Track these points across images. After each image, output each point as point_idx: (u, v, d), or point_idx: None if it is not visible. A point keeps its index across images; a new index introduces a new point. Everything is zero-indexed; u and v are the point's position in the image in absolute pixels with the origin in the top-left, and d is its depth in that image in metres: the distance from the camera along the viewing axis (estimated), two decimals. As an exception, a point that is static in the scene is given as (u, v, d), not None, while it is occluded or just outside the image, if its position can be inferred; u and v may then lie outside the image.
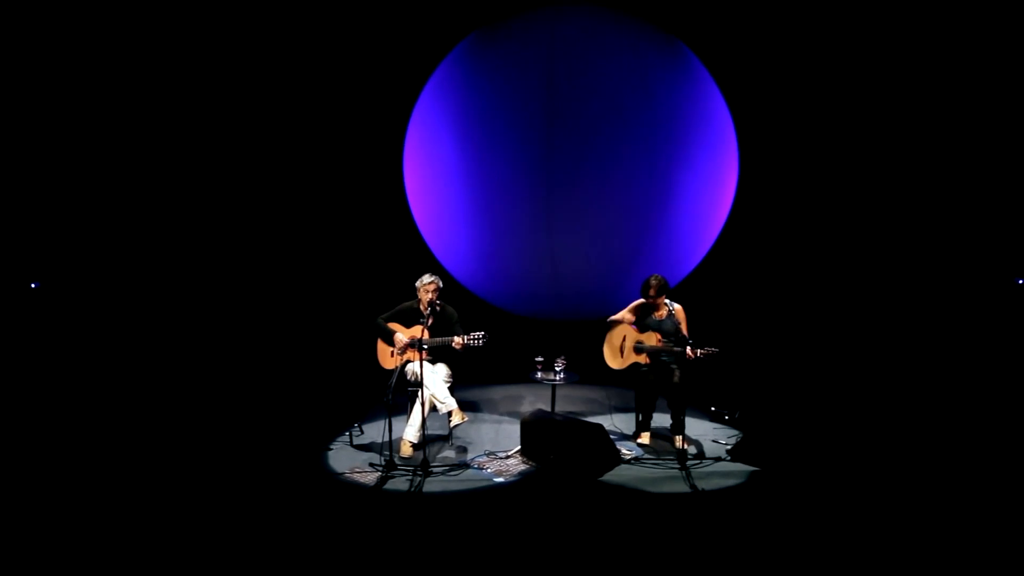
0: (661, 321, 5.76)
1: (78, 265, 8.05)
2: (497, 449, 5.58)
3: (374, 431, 5.98)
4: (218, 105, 8.14)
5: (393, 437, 5.25)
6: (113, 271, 8.14)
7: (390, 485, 4.86)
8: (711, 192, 6.92)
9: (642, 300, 5.82)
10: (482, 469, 5.17)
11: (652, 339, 5.71)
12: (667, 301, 5.63)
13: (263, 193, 8.31)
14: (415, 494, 4.73)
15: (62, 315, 7.97)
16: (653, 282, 5.64)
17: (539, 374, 5.94)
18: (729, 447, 5.55)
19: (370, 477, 4.98)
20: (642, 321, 5.81)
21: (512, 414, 6.61)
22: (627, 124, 6.42)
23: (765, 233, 8.22)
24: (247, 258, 8.43)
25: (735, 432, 5.99)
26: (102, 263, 8.09)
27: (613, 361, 5.91)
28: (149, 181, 8.06)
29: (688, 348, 5.28)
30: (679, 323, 5.56)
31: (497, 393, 7.40)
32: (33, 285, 7.96)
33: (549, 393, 6.11)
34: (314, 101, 8.29)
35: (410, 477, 4.98)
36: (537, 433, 5.29)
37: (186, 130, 8.10)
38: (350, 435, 5.83)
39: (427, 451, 5.27)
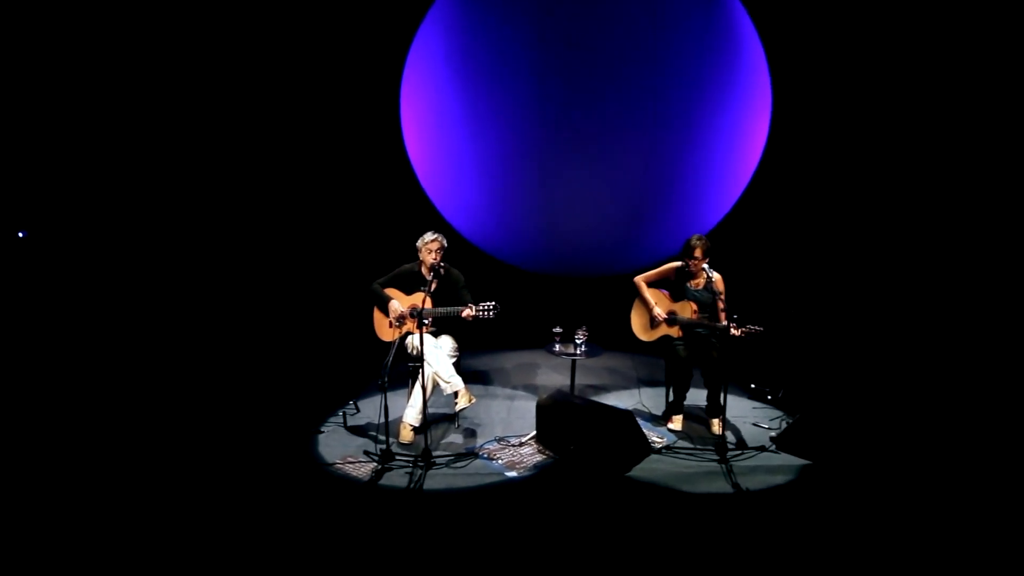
0: (698, 291, 5.11)
1: (59, 234, 7.36)
2: (509, 435, 5.01)
3: (370, 408, 5.44)
4: (194, 39, 7.29)
5: (391, 419, 4.71)
6: (91, 231, 7.46)
7: (386, 480, 4.33)
8: (741, 133, 6.18)
9: (677, 263, 5.16)
10: (492, 460, 4.63)
11: (687, 310, 5.07)
12: (706, 267, 4.96)
13: (243, 144, 7.42)
14: (414, 492, 4.18)
15: (42, 286, 7.37)
16: (698, 243, 4.95)
17: (557, 347, 5.33)
18: (774, 434, 4.96)
19: (364, 470, 4.45)
20: (677, 288, 5.16)
21: (526, 388, 6.04)
22: (651, 60, 5.70)
23: (802, 181, 7.28)
24: (228, 218, 7.58)
25: (778, 414, 5.40)
26: (80, 226, 7.40)
27: (642, 332, 5.30)
28: (120, 131, 7.29)
29: (731, 325, 4.63)
30: (719, 294, 4.90)
31: (509, 361, 6.82)
32: (20, 234, 7.33)
33: (568, 365, 5.50)
34: (297, 35, 7.33)
35: (410, 470, 4.44)
36: (555, 419, 4.71)
37: (163, 72, 7.26)
38: (343, 414, 5.28)
39: (429, 436, 4.72)
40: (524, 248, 6.90)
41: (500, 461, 4.60)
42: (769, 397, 5.63)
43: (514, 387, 6.08)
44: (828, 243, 7.02)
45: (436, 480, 4.32)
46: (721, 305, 4.91)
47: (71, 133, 6.87)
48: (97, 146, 7.02)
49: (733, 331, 4.60)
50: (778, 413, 5.42)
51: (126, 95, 6.91)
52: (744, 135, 6.24)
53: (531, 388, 6.04)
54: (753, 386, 5.79)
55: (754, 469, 4.48)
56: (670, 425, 5.16)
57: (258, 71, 7.15)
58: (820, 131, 6.95)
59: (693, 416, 5.34)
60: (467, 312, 4.76)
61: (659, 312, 5.10)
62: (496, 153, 6.22)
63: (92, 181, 7.11)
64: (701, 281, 5.10)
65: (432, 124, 6.31)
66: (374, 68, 7.15)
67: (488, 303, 4.80)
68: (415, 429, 4.91)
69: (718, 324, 4.89)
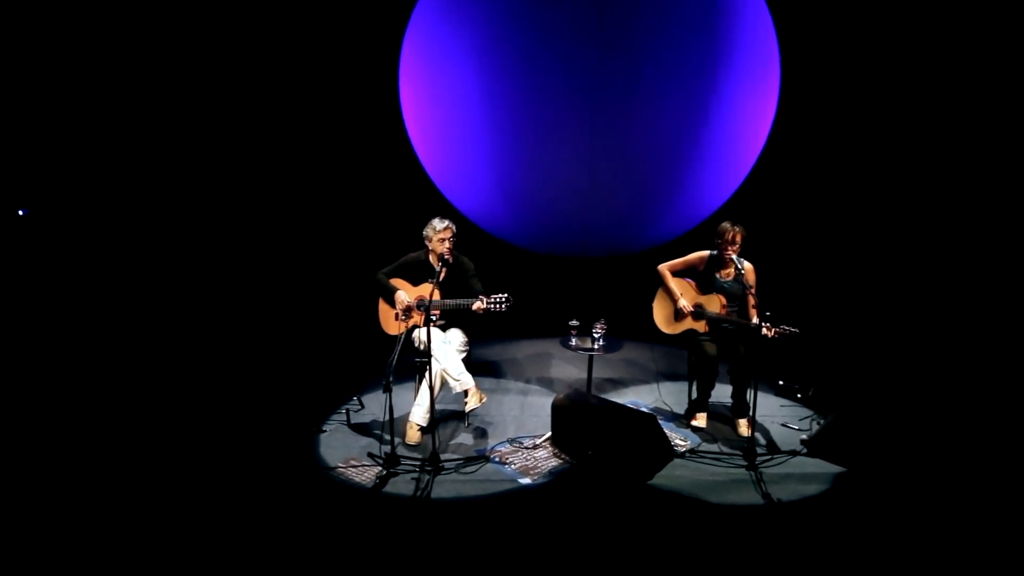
0: (728, 281, 4.80)
1: (49, 217, 7.02)
2: (522, 435, 4.75)
3: (375, 404, 5.20)
4: (185, 23, 6.85)
5: (398, 417, 4.46)
6: (79, 213, 7.11)
7: (391, 487, 4.09)
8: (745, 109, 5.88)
9: (706, 252, 4.85)
10: (504, 464, 4.37)
11: (715, 304, 4.77)
12: (735, 257, 4.64)
13: (237, 129, 6.89)
14: (421, 501, 3.94)
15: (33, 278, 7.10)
16: (733, 229, 4.63)
17: (574, 341, 5.05)
18: (805, 436, 4.67)
19: (368, 475, 4.20)
20: (705, 279, 4.85)
21: (540, 382, 5.77)
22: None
23: (835, 158, 6.85)
24: (224, 206, 7.04)
25: (808, 413, 5.11)
26: (68, 208, 7.05)
27: (665, 325, 5.00)
28: (106, 111, 6.89)
29: (764, 325, 4.33)
30: (750, 287, 4.59)
31: (521, 351, 6.54)
32: (21, 212, 7.04)
33: (584, 358, 5.21)
34: (289, 15, 6.80)
35: (416, 475, 4.19)
36: (572, 420, 4.45)
37: (158, 58, 6.83)
38: (347, 412, 5.03)
39: (437, 437, 4.47)
40: (534, 227, 6.60)
41: (513, 466, 4.34)
42: (799, 395, 5.33)
43: (527, 380, 5.82)
44: (862, 229, 6.62)
45: (444, 487, 4.08)
46: (752, 300, 4.61)
47: (58, 118, 6.54)
48: (83, 126, 6.68)
49: (765, 332, 4.30)
50: (808, 412, 5.14)
51: (112, 73, 6.56)
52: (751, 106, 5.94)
53: (545, 382, 5.77)
54: (781, 383, 5.49)
55: (785, 477, 4.21)
56: (693, 423, 4.89)
57: (252, 53, 6.70)
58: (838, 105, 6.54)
59: (717, 415, 5.07)
60: (478, 305, 4.49)
61: (685, 304, 4.81)
62: (508, 128, 5.93)
63: (79, 163, 6.78)
64: (731, 271, 4.79)
65: (436, 101, 5.99)
66: (370, 42, 6.68)
67: (500, 295, 4.52)
68: (422, 429, 4.66)
69: (750, 322, 4.58)
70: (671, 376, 5.85)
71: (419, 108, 6.23)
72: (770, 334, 4.32)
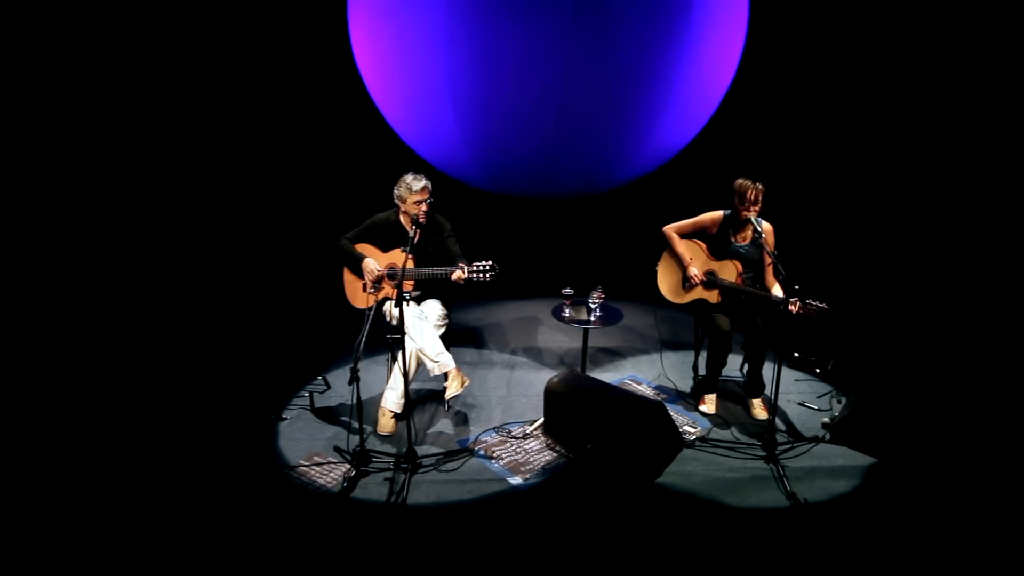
0: (744, 246, 4.26)
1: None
2: (510, 422, 4.26)
3: (342, 383, 4.65)
4: None
5: (368, 399, 3.94)
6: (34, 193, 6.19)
7: (361, 490, 3.58)
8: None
9: (719, 212, 4.31)
10: (491, 459, 3.88)
11: (730, 271, 4.25)
12: (754, 218, 4.10)
13: (171, 83, 5.84)
14: (396, 507, 3.44)
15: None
16: (754, 186, 4.08)
17: (567, 312, 4.52)
18: (827, 419, 4.23)
19: (334, 476, 3.69)
20: (718, 242, 4.31)
21: (529, 353, 5.26)
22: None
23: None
24: (161, 165, 6.00)
25: (827, 389, 4.66)
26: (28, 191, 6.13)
27: (672, 294, 4.48)
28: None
29: (790, 301, 3.82)
30: (775, 253, 4.05)
31: (505, 315, 6.00)
32: None
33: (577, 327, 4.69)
34: None
35: (390, 474, 3.68)
36: (568, 408, 3.94)
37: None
38: (311, 394, 4.48)
39: (413, 425, 3.95)
40: (500, 168, 5.92)
41: (500, 462, 3.85)
42: (817, 370, 4.86)
43: (513, 351, 5.29)
44: (893, 183, 6.01)
45: (423, 490, 3.58)
46: (768, 260, 4.08)
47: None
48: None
49: (791, 307, 3.79)
50: (827, 388, 4.69)
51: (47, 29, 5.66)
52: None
53: (534, 353, 5.25)
54: (797, 355, 5.01)
55: (811, 472, 3.77)
56: (702, 407, 4.42)
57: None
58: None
59: (727, 392, 4.60)
60: (458, 275, 3.93)
61: (695, 272, 4.27)
62: (470, 64, 5.21)
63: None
64: (748, 234, 4.25)
65: (393, 35, 5.22)
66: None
67: (484, 263, 3.97)
68: (396, 416, 4.15)
69: (770, 294, 4.08)
70: (673, 345, 5.36)
71: (374, 47, 5.45)
72: (795, 309, 3.81)
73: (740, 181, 4.09)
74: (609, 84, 5.11)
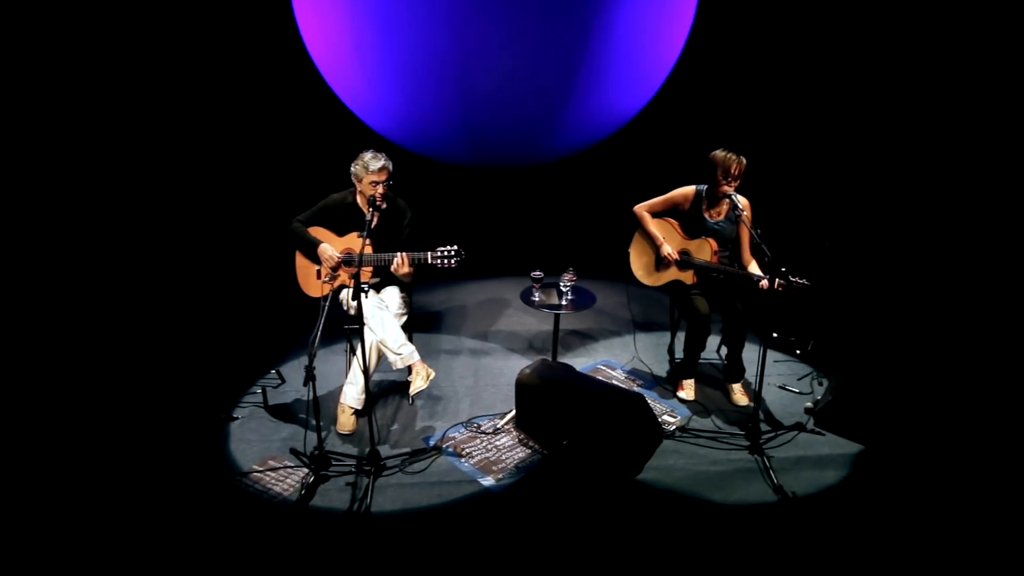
0: (719, 222, 4.07)
1: None
2: (479, 415, 4.03)
3: (297, 376, 4.37)
4: None
5: (324, 395, 3.68)
6: None
7: (321, 497, 3.33)
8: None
9: (690, 188, 4.09)
10: (460, 457, 3.65)
11: (705, 250, 4.05)
12: (731, 193, 3.89)
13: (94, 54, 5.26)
14: (360, 516, 3.19)
15: None
16: (736, 159, 3.84)
17: (537, 296, 4.28)
18: (810, 403, 4.09)
19: (291, 482, 3.43)
20: (691, 219, 4.11)
21: (496, 337, 5.03)
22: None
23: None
24: (96, 146, 5.42)
25: (807, 371, 4.53)
26: None
27: (645, 275, 4.28)
28: None
29: (764, 278, 3.65)
30: (757, 231, 3.84)
31: (470, 296, 5.75)
32: None
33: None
34: None
35: (352, 479, 3.43)
36: (541, 401, 3.72)
37: None
38: (264, 391, 4.18)
39: (375, 420, 3.70)
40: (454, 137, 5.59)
41: (471, 461, 3.62)
42: (797, 351, 4.72)
43: (479, 336, 5.05)
44: (872, 153, 5.83)
45: (388, 495, 3.34)
46: (745, 237, 3.91)
47: None
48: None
49: (763, 284, 3.63)
50: (807, 369, 4.55)
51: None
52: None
53: (502, 337, 5.02)
54: (776, 335, 4.86)
55: (797, 463, 3.62)
56: (680, 393, 4.24)
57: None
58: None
59: (706, 378, 4.44)
60: (398, 261, 3.68)
61: (670, 252, 4.07)
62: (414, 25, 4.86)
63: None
64: (723, 210, 4.05)
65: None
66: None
67: (448, 248, 3.72)
68: (356, 413, 3.89)
69: (750, 273, 3.90)
70: (648, 325, 5.17)
71: (316, 10, 5.05)
72: (766, 286, 3.68)
73: (721, 153, 3.87)
74: (548, 47, 4.82)
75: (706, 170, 3.95)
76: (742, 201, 3.97)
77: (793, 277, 3.62)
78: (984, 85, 5.31)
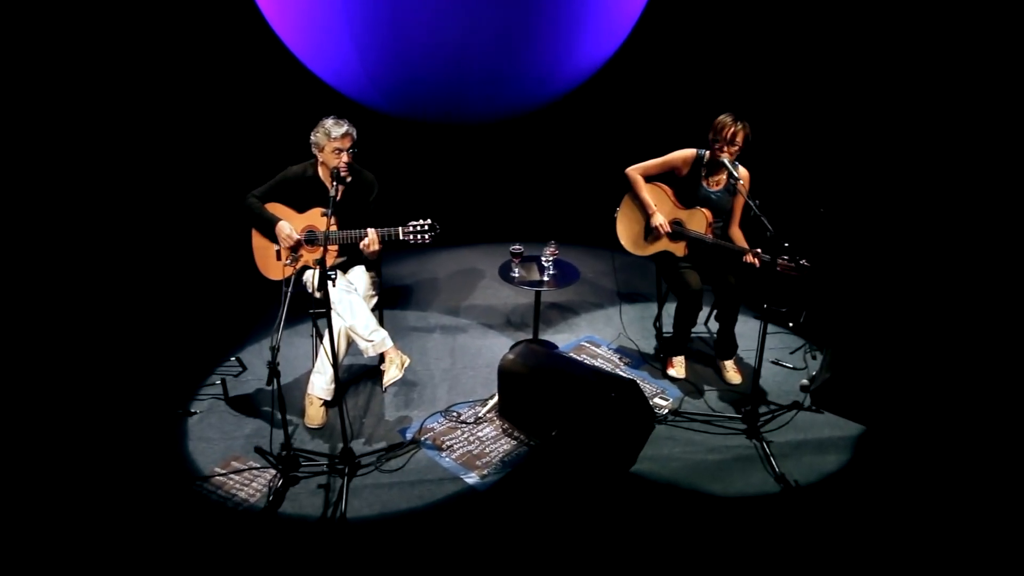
0: (717, 191, 3.83)
1: None
2: (458, 402, 3.80)
3: (260, 364, 4.08)
4: None
5: (288, 383, 3.42)
6: None
7: (290, 503, 3.08)
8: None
9: (689, 152, 3.83)
10: (440, 451, 3.42)
11: (699, 221, 3.82)
12: (729, 162, 3.64)
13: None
14: (334, 522, 2.96)
15: None
16: (735, 125, 3.58)
17: (517, 271, 4.04)
18: (805, 380, 3.94)
19: (257, 486, 3.17)
20: (687, 186, 3.86)
21: (472, 312, 4.78)
22: None
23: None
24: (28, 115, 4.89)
25: (800, 344, 4.37)
26: None
27: (633, 244, 4.04)
28: None
29: (759, 252, 3.46)
30: (755, 202, 3.60)
31: (442, 268, 5.46)
32: None
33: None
34: None
35: (325, 480, 3.19)
36: (527, 389, 3.49)
37: None
38: (223, 381, 3.89)
39: (346, 412, 3.43)
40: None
41: (452, 455, 3.40)
42: (790, 323, 4.56)
43: (453, 311, 4.80)
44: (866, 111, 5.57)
45: (364, 498, 3.11)
46: (739, 209, 3.70)
47: None
48: None
49: (749, 258, 3.46)
50: (800, 342, 4.40)
51: None
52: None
53: (478, 313, 4.77)
54: (767, 306, 4.65)
55: (798, 447, 3.47)
56: (671, 371, 4.05)
57: None
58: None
59: (696, 353, 4.25)
60: (367, 239, 3.42)
61: (662, 222, 3.82)
62: None
63: None
64: (722, 179, 3.81)
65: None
66: None
67: (421, 222, 3.45)
68: (326, 404, 3.62)
69: (745, 248, 3.69)
70: (630, 296, 4.96)
71: None
72: (756, 262, 3.52)
73: (723, 118, 3.61)
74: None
75: (707, 134, 3.69)
76: (741, 172, 3.74)
77: (794, 258, 3.41)
78: (984, 57, 5.06)
